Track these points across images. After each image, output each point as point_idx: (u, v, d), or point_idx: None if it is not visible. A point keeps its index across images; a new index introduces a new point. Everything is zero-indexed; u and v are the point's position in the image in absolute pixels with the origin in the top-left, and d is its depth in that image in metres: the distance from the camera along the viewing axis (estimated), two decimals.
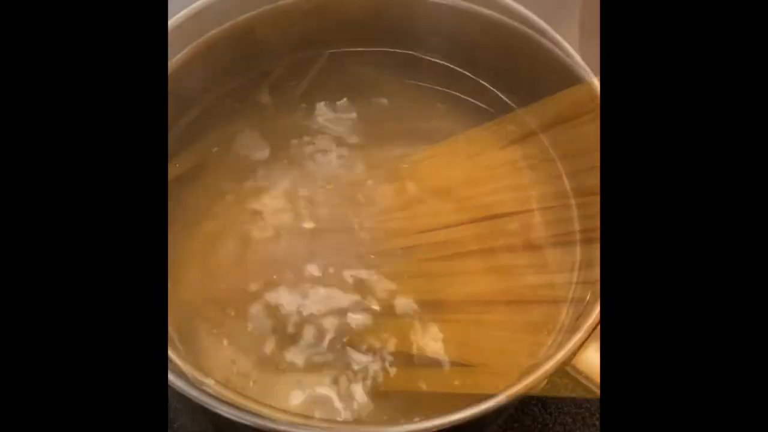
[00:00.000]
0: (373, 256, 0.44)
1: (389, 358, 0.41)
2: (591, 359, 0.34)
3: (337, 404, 0.39)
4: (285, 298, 0.42)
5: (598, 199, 0.28)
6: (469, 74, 0.51)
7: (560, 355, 0.34)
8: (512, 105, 0.50)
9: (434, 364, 0.41)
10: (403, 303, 0.42)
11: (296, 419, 0.32)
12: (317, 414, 0.39)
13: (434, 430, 0.32)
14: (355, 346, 0.41)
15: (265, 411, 0.32)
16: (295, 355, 0.41)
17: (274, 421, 0.32)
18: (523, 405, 0.49)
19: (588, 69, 0.42)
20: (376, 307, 0.42)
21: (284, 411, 0.33)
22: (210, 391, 0.34)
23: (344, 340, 0.41)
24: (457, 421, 0.32)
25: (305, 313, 0.42)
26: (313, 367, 0.40)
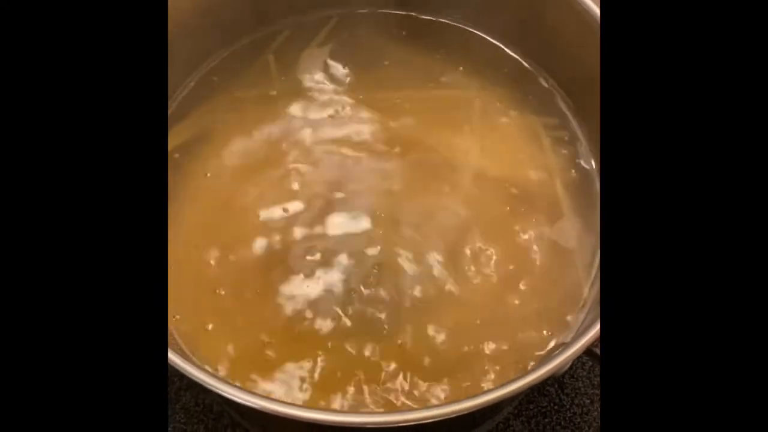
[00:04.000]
0: (383, 215, 0.42)
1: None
2: None
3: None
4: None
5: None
6: (485, 36, 0.48)
7: (589, 336, 0.31)
8: (531, 69, 0.47)
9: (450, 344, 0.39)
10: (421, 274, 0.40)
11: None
12: None
13: (452, 415, 0.30)
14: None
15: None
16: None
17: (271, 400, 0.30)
18: (539, 386, 0.47)
19: None
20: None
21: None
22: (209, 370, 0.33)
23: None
24: (480, 405, 0.30)
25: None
26: None
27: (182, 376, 0.31)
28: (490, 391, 0.31)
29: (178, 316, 0.39)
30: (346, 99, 0.47)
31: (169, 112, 0.45)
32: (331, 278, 0.40)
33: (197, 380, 0.31)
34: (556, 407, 0.47)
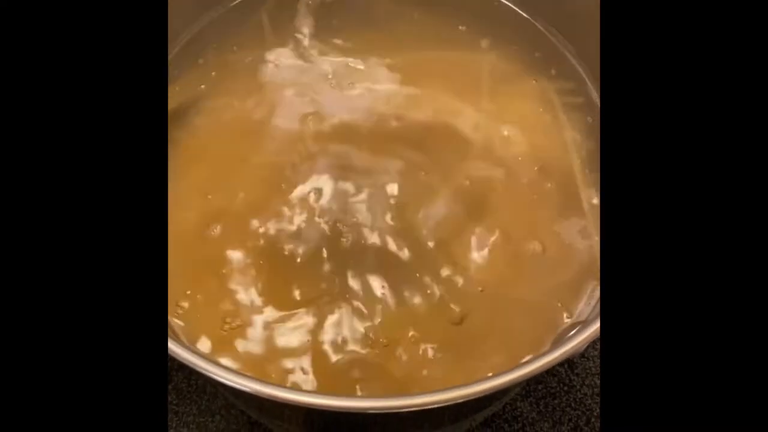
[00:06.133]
0: (384, 185, 0.39)
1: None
2: None
3: None
4: None
5: None
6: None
7: None
8: (545, 32, 0.45)
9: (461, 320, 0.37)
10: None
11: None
12: None
13: (460, 400, 0.29)
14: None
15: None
16: None
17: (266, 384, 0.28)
18: None
19: None
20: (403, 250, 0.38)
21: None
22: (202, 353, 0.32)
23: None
24: (489, 390, 0.28)
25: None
26: None
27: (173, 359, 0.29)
28: (500, 374, 0.29)
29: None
30: (345, 60, 0.44)
31: None
32: (342, 251, 0.38)
33: (188, 363, 0.29)
34: (566, 388, 0.45)
